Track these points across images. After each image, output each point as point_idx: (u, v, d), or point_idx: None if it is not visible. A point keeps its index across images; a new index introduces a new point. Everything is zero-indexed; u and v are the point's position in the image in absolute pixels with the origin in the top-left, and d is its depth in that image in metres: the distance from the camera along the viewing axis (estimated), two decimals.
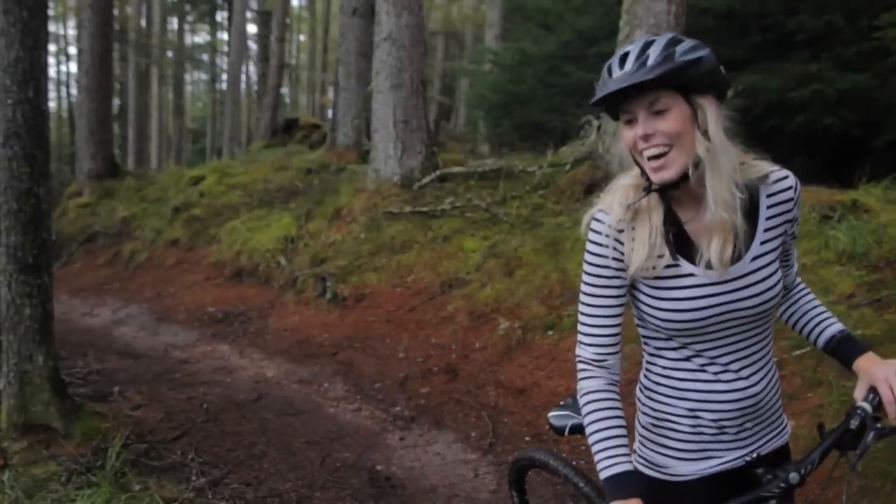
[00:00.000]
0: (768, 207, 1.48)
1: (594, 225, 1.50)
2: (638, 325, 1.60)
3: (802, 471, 1.41)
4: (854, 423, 1.43)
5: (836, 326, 1.62)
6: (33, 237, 4.05)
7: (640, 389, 1.63)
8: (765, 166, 1.50)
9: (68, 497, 3.39)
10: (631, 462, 1.45)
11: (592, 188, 6.88)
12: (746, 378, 1.49)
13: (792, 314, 1.69)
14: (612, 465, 1.43)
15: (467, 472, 3.88)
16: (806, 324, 1.65)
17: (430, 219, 7.38)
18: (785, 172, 1.50)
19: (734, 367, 1.49)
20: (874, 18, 6.42)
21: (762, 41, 7.66)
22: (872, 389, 1.47)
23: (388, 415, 4.69)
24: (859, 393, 1.49)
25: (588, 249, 1.51)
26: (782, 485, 1.41)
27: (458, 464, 3.98)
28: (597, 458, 1.46)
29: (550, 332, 5.08)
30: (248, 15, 24.76)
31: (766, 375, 1.53)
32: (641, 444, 1.64)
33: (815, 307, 1.67)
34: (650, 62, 1.35)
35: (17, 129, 3.97)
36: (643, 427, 1.63)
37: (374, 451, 4.17)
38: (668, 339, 1.52)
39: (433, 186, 8.05)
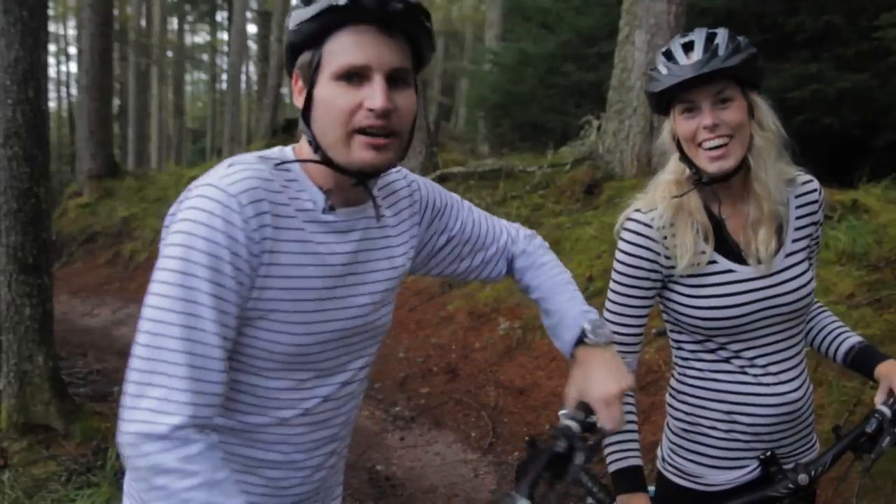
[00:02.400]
0: (797, 208, 1.51)
1: (630, 224, 1.49)
2: (671, 331, 1.58)
3: (813, 472, 1.40)
4: (871, 427, 1.42)
5: (855, 339, 1.61)
6: (33, 237, 4.05)
7: (672, 395, 1.61)
8: (790, 169, 1.53)
9: (68, 497, 3.39)
10: (639, 458, 1.46)
11: (592, 188, 6.87)
12: (786, 383, 1.49)
13: (810, 331, 1.67)
14: (621, 458, 1.46)
15: (467, 472, 3.88)
16: (823, 339, 1.65)
17: None
18: (810, 176, 1.54)
19: (773, 369, 1.48)
20: (874, 18, 6.41)
21: (762, 41, 7.63)
22: (892, 393, 1.47)
23: (388, 415, 4.69)
24: (879, 397, 1.48)
25: (621, 248, 1.50)
26: (791, 486, 1.40)
27: (458, 464, 3.98)
28: (606, 451, 1.48)
29: None
30: (248, 15, 24.78)
31: (803, 384, 1.52)
32: (672, 451, 1.61)
33: (832, 322, 1.66)
34: (721, 51, 1.36)
35: (17, 129, 3.98)
36: (674, 434, 1.60)
37: (374, 451, 4.17)
38: (706, 340, 1.50)
39: None
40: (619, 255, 1.50)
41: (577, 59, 10.10)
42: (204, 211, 1.03)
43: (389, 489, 3.72)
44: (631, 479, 1.45)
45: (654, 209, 1.48)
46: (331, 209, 1.13)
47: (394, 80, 1.07)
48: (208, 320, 1.01)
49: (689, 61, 1.37)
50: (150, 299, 1.03)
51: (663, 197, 1.48)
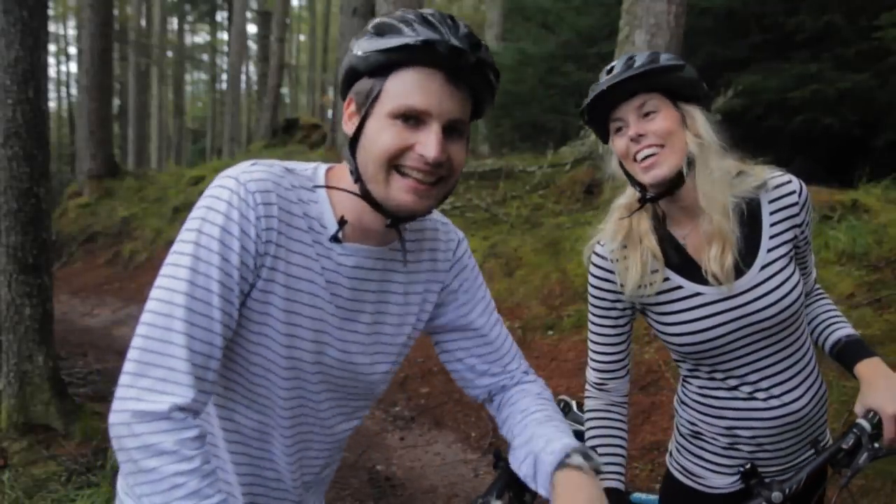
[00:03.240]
0: (771, 213, 1.45)
1: (593, 258, 1.54)
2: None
3: (787, 490, 1.36)
4: (848, 443, 1.37)
5: (843, 331, 1.55)
6: (33, 237, 4.05)
7: (678, 401, 1.62)
8: (764, 172, 1.47)
9: (68, 497, 3.39)
10: (620, 480, 1.48)
11: (592, 188, 6.88)
12: (782, 396, 1.46)
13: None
14: (601, 479, 1.46)
15: (467, 472, 3.88)
16: (815, 328, 1.60)
17: None
18: (788, 177, 1.47)
19: (764, 384, 1.45)
20: (874, 18, 6.41)
21: (762, 41, 7.66)
22: (872, 408, 1.40)
23: (388, 415, 4.69)
24: (859, 408, 1.42)
25: (589, 281, 1.55)
26: (764, 503, 1.36)
27: (458, 464, 3.98)
28: None
29: (550, 332, 5.08)
30: (248, 15, 24.78)
31: (807, 391, 1.49)
32: (678, 450, 1.63)
33: (826, 311, 1.60)
34: (636, 64, 1.39)
35: (17, 129, 3.98)
36: (681, 435, 1.62)
37: (374, 451, 4.17)
38: (697, 364, 1.50)
39: None
40: (588, 288, 1.56)
41: (577, 59, 10.09)
42: (222, 200, 1.04)
43: (389, 489, 3.72)
44: (609, 499, 1.46)
45: (607, 239, 1.51)
46: (337, 240, 1.12)
47: (449, 130, 1.06)
48: (215, 307, 1.02)
49: (606, 78, 1.41)
50: (160, 280, 1.03)
51: (614, 224, 1.51)
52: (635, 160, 1.42)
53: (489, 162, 8.89)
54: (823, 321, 1.58)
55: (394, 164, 1.05)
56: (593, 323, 1.56)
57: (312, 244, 1.11)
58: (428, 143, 1.03)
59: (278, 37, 19.34)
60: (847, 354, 1.50)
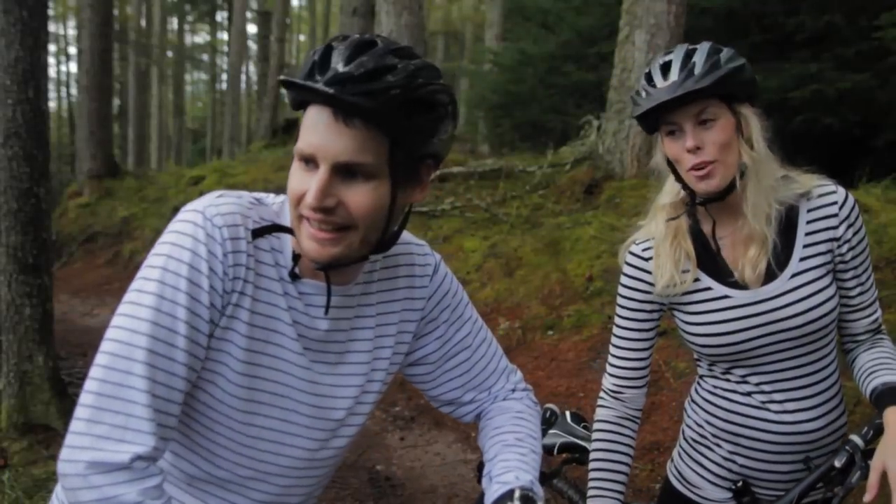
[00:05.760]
0: (808, 223, 1.40)
1: (627, 257, 1.50)
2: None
3: None
4: (840, 461, 1.32)
5: (879, 380, 1.37)
6: (33, 237, 4.06)
7: (688, 402, 1.60)
8: (811, 181, 1.43)
9: None
10: (618, 499, 1.46)
11: (592, 188, 6.88)
12: (795, 412, 1.41)
13: (852, 367, 1.49)
14: (596, 495, 1.46)
15: (467, 472, 3.88)
16: (858, 380, 1.45)
17: (430, 219, 7.38)
18: (832, 188, 1.41)
19: (778, 397, 1.41)
20: (874, 18, 6.41)
21: (762, 41, 7.65)
22: (868, 422, 1.35)
23: (388, 415, 4.69)
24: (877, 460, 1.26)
25: (620, 280, 1.51)
26: None
27: (458, 464, 3.98)
28: (590, 475, 1.49)
29: (550, 332, 5.08)
30: (248, 15, 24.78)
31: (824, 415, 1.42)
32: (679, 456, 1.61)
33: (869, 360, 1.44)
34: (697, 70, 1.31)
35: (17, 129, 3.98)
36: (685, 440, 1.60)
37: (374, 451, 4.17)
38: (712, 364, 1.49)
39: (433, 186, 8.03)
40: (619, 288, 1.52)
41: (577, 59, 10.09)
42: (187, 236, 0.98)
43: (389, 489, 3.72)
44: None
45: (648, 240, 1.48)
46: (295, 276, 1.06)
47: (347, 172, 0.96)
48: (179, 349, 0.96)
49: (665, 83, 1.32)
50: (117, 320, 0.97)
51: (659, 223, 1.46)
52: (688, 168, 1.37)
53: (489, 162, 8.90)
54: (862, 370, 1.43)
55: (298, 212, 0.99)
56: (618, 326, 1.52)
57: (279, 280, 1.06)
58: (310, 187, 0.96)
59: (278, 37, 19.35)
60: (881, 402, 1.35)
